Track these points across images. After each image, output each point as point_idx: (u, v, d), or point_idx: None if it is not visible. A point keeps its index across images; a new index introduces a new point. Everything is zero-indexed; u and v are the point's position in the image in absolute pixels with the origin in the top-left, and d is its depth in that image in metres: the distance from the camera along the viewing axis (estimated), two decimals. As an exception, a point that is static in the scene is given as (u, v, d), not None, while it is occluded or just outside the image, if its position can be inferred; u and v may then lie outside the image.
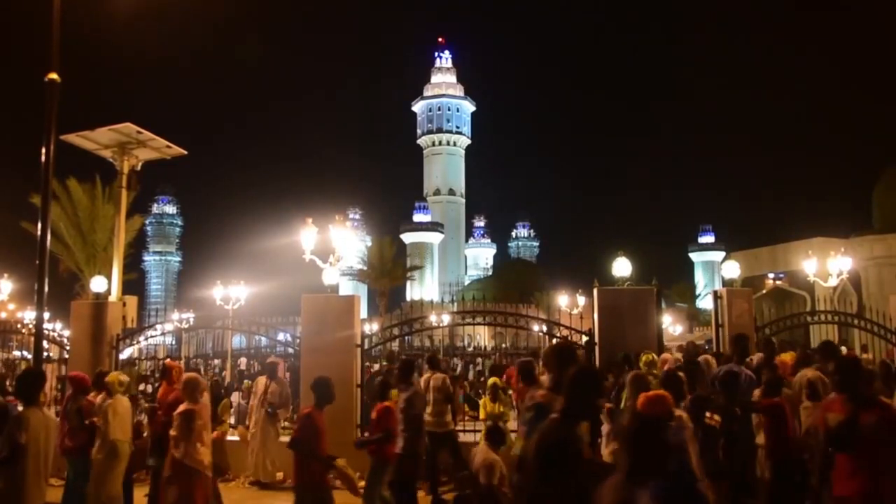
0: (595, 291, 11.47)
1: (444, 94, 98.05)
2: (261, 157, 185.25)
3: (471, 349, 43.77)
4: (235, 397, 13.63)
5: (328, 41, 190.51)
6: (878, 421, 4.58)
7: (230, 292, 23.38)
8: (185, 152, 12.68)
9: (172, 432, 6.60)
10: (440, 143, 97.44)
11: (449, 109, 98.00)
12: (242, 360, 26.55)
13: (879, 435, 4.54)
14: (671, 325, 35.37)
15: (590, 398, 3.76)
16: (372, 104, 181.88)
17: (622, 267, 11.76)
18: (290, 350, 13.06)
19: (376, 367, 16.32)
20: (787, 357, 8.67)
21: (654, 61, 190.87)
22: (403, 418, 6.89)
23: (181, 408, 6.68)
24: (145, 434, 8.68)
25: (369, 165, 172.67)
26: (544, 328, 13.68)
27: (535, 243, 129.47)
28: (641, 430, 3.11)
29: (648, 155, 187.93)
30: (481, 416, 10.01)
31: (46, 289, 7.99)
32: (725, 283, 13.19)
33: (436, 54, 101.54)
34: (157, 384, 11.27)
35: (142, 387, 12.84)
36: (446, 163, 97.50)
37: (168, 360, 11.61)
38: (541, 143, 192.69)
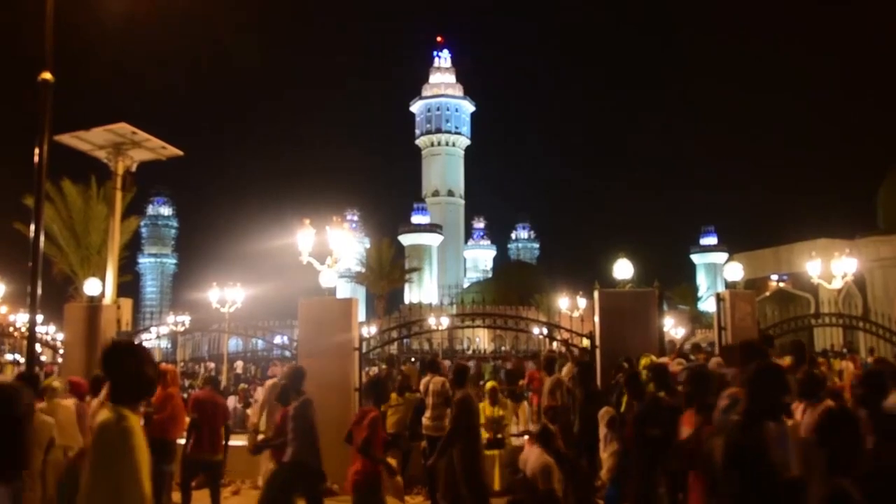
0: (596, 294, 11.48)
1: (443, 94, 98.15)
2: (257, 159, 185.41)
3: (470, 352, 43.79)
4: (231, 401, 13.63)
5: (326, 41, 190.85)
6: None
7: (226, 295, 23.38)
8: (181, 153, 12.67)
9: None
10: (439, 144, 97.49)
11: (448, 109, 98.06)
12: (239, 364, 26.55)
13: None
14: (673, 327, 35.32)
15: (773, 396, 3.60)
16: (370, 104, 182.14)
17: (623, 269, 11.75)
18: (287, 353, 13.06)
19: (374, 370, 16.32)
20: (785, 361, 8.69)
21: (657, 59, 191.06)
22: (293, 427, 6.82)
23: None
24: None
25: (367, 166, 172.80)
26: (544, 331, 13.68)
27: (536, 245, 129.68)
28: (840, 424, 3.14)
29: (650, 155, 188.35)
30: (480, 420, 9.99)
31: (39, 291, 7.98)
32: (728, 285, 13.19)
33: (434, 53, 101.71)
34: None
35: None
36: (445, 163, 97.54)
37: (163, 363, 11.60)
38: (541, 143, 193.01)
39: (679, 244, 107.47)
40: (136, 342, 4.00)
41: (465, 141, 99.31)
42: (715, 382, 5.19)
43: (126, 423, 2.96)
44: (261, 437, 10.05)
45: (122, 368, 3.16)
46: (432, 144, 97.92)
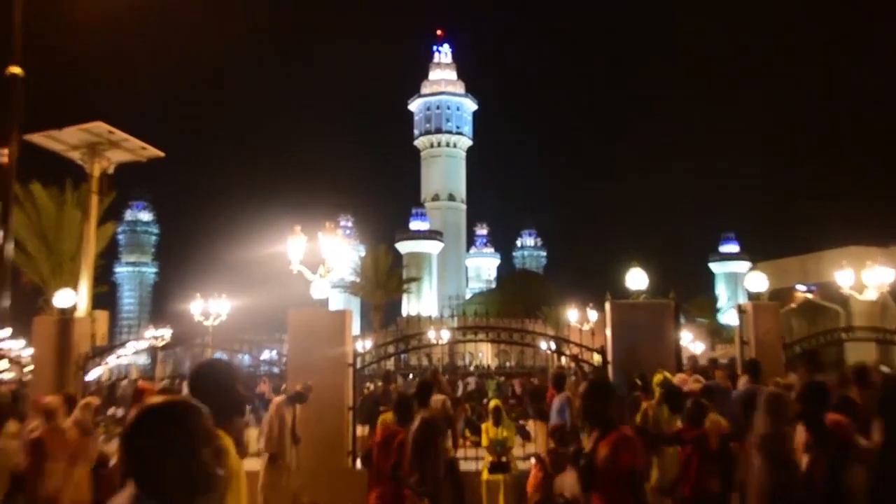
0: (607, 306, 11.45)
1: (444, 91, 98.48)
2: (244, 161, 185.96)
3: (472, 368, 43.64)
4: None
5: (318, 38, 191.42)
6: (609, 452, 4.23)
7: (210, 307, 23.33)
8: (162, 154, 12.66)
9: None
10: (439, 145, 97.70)
11: (448, 108, 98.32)
12: (223, 381, 26.46)
13: (611, 468, 4.20)
14: (691, 342, 35.23)
15: None
16: (365, 103, 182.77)
17: (637, 279, 11.69)
18: (276, 370, 13.01)
19: (370, 386, 16.26)
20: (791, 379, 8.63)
21: (674, 57, 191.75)
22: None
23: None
24: (112, 463, 8.60)
25: (362, 169, 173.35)
26: (552, 345, 13.62)
27: (542, 253, 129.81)
28: None
29: (666, 158, 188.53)
30: (483, 442, 9.92)
31: (7, 303, 7.95)
32: (750, 296, 13.13)
33: (434, 48, 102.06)
34: (129, 408, 11.20)
35: (111, 411, 12.77)
36: (446, 166, 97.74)
37: (141, 381, 11.55)
38: (548, 145, 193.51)
39: (697, 252, 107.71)
40: (224, 359, 4.13)
41: (466, 142, 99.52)
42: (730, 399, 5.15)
43: (219, 444, 3.00)
44: (256, 457, 9.91)
45: (213, 386, 3.19)
46: (432, 145, 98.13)
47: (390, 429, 7.14)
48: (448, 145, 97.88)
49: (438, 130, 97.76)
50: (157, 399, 2.38)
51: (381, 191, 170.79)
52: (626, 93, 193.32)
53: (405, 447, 6.43)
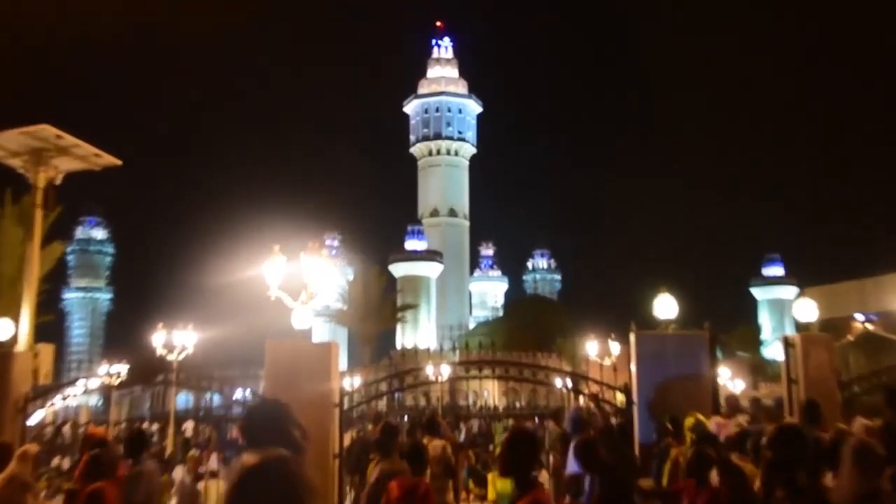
0: (632, 337, 11.45)
1: (444, 91, 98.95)
2: (216, 171, 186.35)
3: (477, 408, 43.42)
4: (179, 472, 13.43)
5: (301, 29, 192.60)
6: None
7: (175, 339, 23.19)
8: (120, 162, 12.67)
9: None
10: (438, 153, 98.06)
11: (449, 111, 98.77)
12: (189, 425, 26.33)
13: None
14: (730, 379, 35.15)
15: None
16: (353, 104, 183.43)
17: (666, 306, 11.67)
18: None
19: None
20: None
21: (710, 55, 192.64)
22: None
23: None
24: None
25: (351, 181, 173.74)
26: (569, 383, 13.57)
27: (557, 277, 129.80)
28: None
29: (699, 168, 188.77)
30: (490, 495, 9.85)
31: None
32: (799, 327, 13.10)
33: (433, 42, 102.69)
34: (76, 458, 11.10)
35: (55, 461, 12.66)
36: (446, 177, 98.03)
37: (91, 426, 11.46)
38: (563, 153, 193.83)
39: (736, 276, 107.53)
40: (277, 401, 4.35)
41: (470, 149, 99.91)
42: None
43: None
44: None
45: (267, 432, 3.46)
46: (430, 153, 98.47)
47: (405, 481, 7.05)
48: (449, 153, 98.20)
49: (438, 136, 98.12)
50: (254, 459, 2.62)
51: (372, 205, 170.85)
52: (654, 94, 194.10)
53: (430, 498, 6.41)
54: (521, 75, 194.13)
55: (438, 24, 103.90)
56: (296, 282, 11.04)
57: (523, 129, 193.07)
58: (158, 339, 23.33)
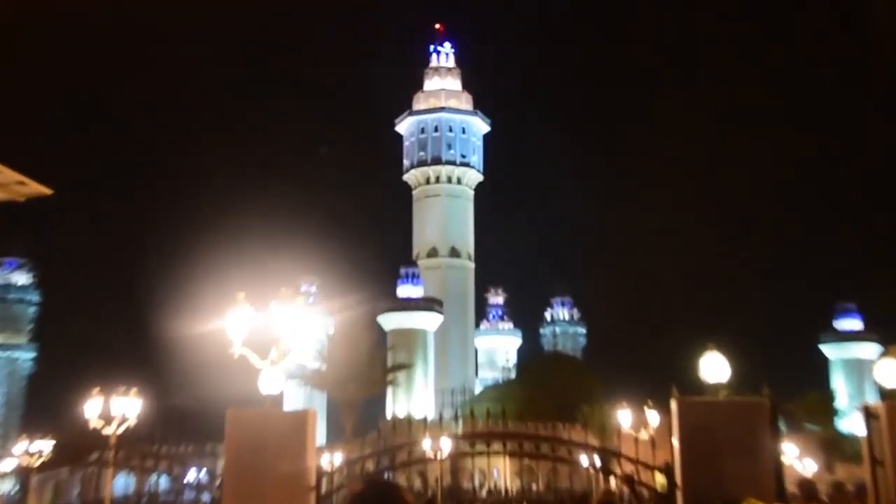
0: (674, 405, 11.42)
1: (444, 106, 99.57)
2: (170, 203, 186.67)
3: (484, 492, 43.12)
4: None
5: (278, 37, 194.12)
6: None
7: (113, 407, 23.13)
8: (49, 192, 12.70)
9: None
10: (437, 181, 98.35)
11: (451, 130, 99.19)
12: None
13: None
14: (798, 457, 35.01)
15: None
16: (335, 122, 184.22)
17: (715, 368, 11.65)
18: (206, 498, 12.87)
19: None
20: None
21: (760, 59, 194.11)
22: None
23: None
24: None
25: (332, 215, 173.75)
26: (597, 461, 13.52)
27: (581, 330, 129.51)
28: None
29: (755, 199, 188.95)
30: None
31: None
32: (883, 393, 13.02)
33: (431, 48, 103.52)
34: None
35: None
36: (447, 209, 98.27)
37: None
38: (589, 180, 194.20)
39: (803, 330, 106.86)
40: (390, 481, 4.72)
41: (475, 176, 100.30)
42: None
43: None
44: None
45: None
46: (428, 181, 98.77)
47: None
48: (450, 181, 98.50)
49: (437, 161, 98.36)
50: None
51: (357, 244, 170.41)
52: (695, 109, 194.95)
53: None
54: (539, 86, 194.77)
55: (438, 26, 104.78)
56: (265, 336, 11.06)
57: (540, 152, 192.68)
58: (93, 407, 23.21)
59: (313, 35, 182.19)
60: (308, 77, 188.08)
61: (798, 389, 72.55)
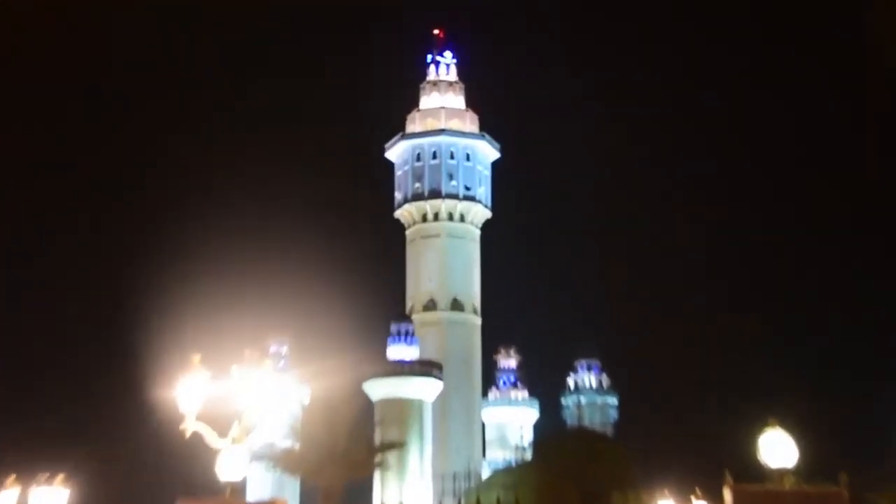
0: (728, 494, 11.33)
1: (445, 128, 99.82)
2: (114, 246, 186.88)
3: None
4: None
5: (253, 50, 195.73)
6: None
7: (34, 499, 23.02)
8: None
9: None
10: (437, 218, 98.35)
11: (452, 157, 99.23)
12: None
13: None
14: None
15: None
16: (315, 147, 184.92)
17: (780, 448, 11.58)
18: None
19: None
20: None
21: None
22: None
23: None
24: None
25: (309, 259, 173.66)
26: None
27: (612, 401, 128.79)
28: None
29: (815, 234, 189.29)
30: None
31: None
32: None
33: (429, 58, 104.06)
34: None
35: None
36: (448, 253, 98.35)
37: None
38: (619, 220, 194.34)
39: (888, 402, 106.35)
40: None
41: (482, 212, 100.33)
42: None
43: None
44: None
45: None
46: (424, 219, 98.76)
47: None
48: (451, 218, 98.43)
49: (436, 194, 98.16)
50: None
51: (339, 295, 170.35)
52: (730, 129, 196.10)
53: None
54: (559, 104, 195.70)
55: (437, 31, 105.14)
56: (224, 409, 10.97)
57: (560, 184, 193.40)
58: (8, 499, 23.12)
59: (291, 41, 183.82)
60: (294, 97, 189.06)
61: (884, 475, 71.96)
